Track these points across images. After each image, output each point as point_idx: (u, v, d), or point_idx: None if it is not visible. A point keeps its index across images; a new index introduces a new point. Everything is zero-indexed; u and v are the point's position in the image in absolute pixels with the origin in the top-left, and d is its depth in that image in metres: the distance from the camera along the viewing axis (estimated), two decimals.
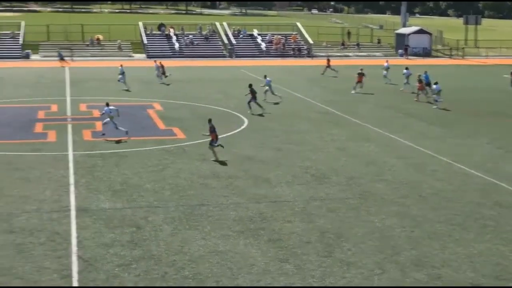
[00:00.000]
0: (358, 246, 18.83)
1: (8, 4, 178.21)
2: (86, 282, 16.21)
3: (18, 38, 77.89)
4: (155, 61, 58.19)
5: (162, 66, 54.87)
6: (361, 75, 50.34)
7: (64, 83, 53.78)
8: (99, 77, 56.89)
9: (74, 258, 17.65)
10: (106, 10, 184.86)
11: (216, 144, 28.71)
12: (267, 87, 44.44)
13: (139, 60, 74.92)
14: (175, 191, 23.83)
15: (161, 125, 36.13)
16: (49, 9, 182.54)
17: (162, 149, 30.26)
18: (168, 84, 52.90)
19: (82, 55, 76.26)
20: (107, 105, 33.02)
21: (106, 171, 26.37)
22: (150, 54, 77.95)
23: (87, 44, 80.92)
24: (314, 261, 17.70)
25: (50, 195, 23.14)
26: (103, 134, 32.53)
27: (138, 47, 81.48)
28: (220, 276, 16.75)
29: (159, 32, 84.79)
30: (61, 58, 68.49)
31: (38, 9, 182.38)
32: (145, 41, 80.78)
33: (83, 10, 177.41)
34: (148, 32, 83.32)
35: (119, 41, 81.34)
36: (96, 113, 39.26)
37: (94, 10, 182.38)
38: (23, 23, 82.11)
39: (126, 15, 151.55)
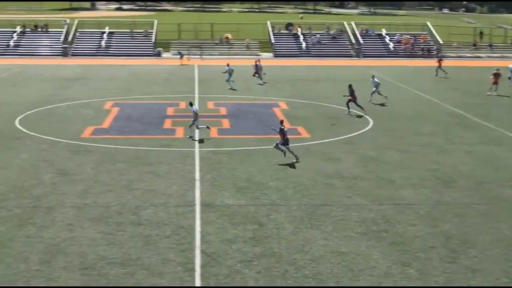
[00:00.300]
0: (484, 253, 18.22)
1: (143, 4, 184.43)
2: (208, 276, 16.52)
3: (151, 37, 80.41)
4: (257, 60, 58.46)
5: (257, 66, 54.06)
6: (497, 75, 48.55)
7: (193, 80, 55.02)
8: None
9: (198, 252, 18.03)
10: (235, 9, 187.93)
11: (282, 147, 27.99)
12: (374, 88, 43.72)
13: (267, 59, 75.56)
14: (298, 190, 23.87)
15: (286, 124, 36.20)
16: (180, 8, 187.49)
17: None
18: (263, 83, 52.71)
19: (211, 54, 77.75)
20: (191, 104, 32.99)
21: (231, 168, 26.76)
22: (277, 53, 78.59)
23: (216, 43, 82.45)
24: (438, 267, 17.26)
25: (177, 190, 23.74)
26: (208, 127, 33.03)
27: (266, 46, 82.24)
28: (341, 277, 16.64)
29: (286, 31, 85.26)
30: (181, 57, 70.34)
31: (170, 8, 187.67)
32: (273, 40, 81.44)
33: (213, 9, 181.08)
34: (275, 31, 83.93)
35: (247, 40, 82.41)
36: (223, 110, 40.00)
37: (224, 9, 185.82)
38: (155, 22, 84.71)
39: (254, 14, 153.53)
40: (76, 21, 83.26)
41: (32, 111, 39.26)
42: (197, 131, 32.53)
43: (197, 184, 24.50)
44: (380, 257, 17.86)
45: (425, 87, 51.95)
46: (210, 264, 17.26)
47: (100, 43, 78.64)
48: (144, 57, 74.73)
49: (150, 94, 47.28)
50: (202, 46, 79.16)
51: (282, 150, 28.00)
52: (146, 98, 45.34)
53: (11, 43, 77.91)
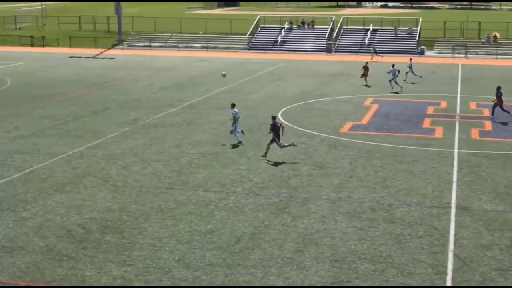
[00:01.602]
0: None
1: (409, 1, 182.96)
2: (460, 281, 15.99)
3: (415, 34, 79.40)
4: (410, 58, 54.68)
5: (366, 68, 50.13)
6: None
7: (456, 79, 53.51)
8: (492, 75, 55.52)
9: (450, 256, 17.52)
10: (505, 7, 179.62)
11: (280, 143, 27.02)
12: None
13: None
14: None
15: None
16: (447, 6, 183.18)
17: None
18: (368, 86, 49.21)
19: (476, 53, 75.07)
20: (233, 106, 30.14)
21: (491, 172, 25.65)
22: None
23: (483, 42, 79.37)
24: None
25: (432, 190, 23.25)
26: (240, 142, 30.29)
27: None
28: None
29: None
30: (374, 53, 69.19)
31: (436, 5, 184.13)
32: None
33: (481, 7, 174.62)
34: None
35: None
36: (486, 112, 38.38)
37: (493, 7, 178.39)
38: (420, 20, 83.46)
39: None
40: (341, 18, 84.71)
41: (294, 104, 40.65)
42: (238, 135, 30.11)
43: (454, 186, 23.82)
44: None
45: None
46: (463, 269, 16.68)
47: (364, 40, 79.20)
48: (406, 55, 73.84)
49: (410, 92, 46.74)
50: (468, 45, 76.68)
51: (289, 145, 27.45)
52: (406, 96, 44.92)
53: (279, 39, 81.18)
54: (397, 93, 45.87)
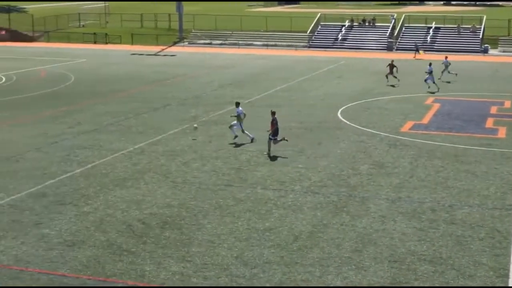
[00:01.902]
0: None
1: None
2: None
3: (479, 33, 77.99)
4: (446, 56, 52.64)
5: (392, 65, 48.47)
6: None
7: None
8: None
9: None
10: None
11: (273, 138, 27.18)
12: None
13: None
14: None
15: None
16: None
17: None
18: (393, 86, 47.76)
19: None
20: (237, 105, 30.13)
21: None
22: None
23: None
24: None
25: (494, 192, 22.81)
26: (236, 137, 30.11)
27: None
28: None
29: None
30: (416, 50, 68.08)
31: (501, 3, 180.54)
32: None
33: None
34: None
35: None
36: None
37: None
38: (484, 18, 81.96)
39: None
40: (403, 16, 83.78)
41: (354, 103, 40.39)
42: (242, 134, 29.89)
43: None
44: None
45: None
46: None
47: (426, 38, 78.12)
48: (470, 53, 72.69)
49: (472, 91, 45.96)
50: None
51: (276, 142, 27.58)
52: (468, 95, 44.18)
53: (339, 36, 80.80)
54: (433, 93, 44.94)
